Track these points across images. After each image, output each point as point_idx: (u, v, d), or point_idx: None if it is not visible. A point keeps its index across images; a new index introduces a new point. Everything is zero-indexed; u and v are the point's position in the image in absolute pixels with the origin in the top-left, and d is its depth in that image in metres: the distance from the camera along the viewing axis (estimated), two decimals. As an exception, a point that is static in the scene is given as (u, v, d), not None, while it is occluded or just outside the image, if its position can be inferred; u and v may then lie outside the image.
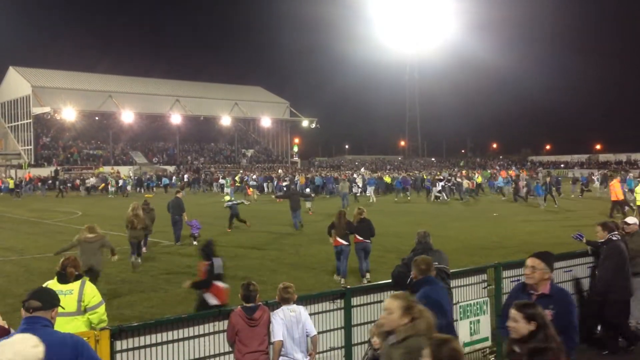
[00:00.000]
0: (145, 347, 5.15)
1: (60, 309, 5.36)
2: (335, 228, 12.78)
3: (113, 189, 48.83)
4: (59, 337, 3.70)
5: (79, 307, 5.99)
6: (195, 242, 18.31)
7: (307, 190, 33.99)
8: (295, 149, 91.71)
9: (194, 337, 5.43)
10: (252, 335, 5.51)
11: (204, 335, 5.50)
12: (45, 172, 59.60)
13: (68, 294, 5.99)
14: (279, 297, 5.82)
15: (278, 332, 5.64)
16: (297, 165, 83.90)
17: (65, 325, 5.67)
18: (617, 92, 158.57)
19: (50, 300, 3.76)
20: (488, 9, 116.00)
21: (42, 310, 3.66)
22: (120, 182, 51.29)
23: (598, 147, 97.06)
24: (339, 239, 12.70)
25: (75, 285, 6.09)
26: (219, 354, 5.58)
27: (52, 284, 6.06)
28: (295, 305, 5.83)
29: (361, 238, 12.61)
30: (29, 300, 3.69)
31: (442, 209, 31.63)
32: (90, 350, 3.83)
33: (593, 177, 47.63)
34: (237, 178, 49.76)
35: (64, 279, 6.14)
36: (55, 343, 3.58)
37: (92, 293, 6.11)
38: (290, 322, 5.67)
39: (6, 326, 4.04)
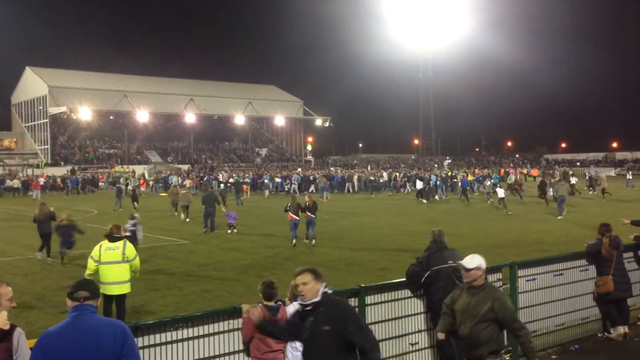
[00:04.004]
0: (160, 344, 5.18)
1: (111, 258, 8.99)
2: (290, 208, 18.04)
3: (143, 188, 49.30)
4: (108, 320, 4.14)
5: (123, 257, 9.04)
6: (230, 231, 21.27)
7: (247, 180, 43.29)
8: (309, 147, 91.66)
9: (209, 334, 5.44)
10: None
11: (219, 333, 5.50)
12: (62, 171, 60.09)
13: (115, 249, 9.07)
14: (290, 295, 5.58)
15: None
16: (311, 164, 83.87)
17: (115, 268, 8.98)
18: (635, 89, 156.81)
19: (96, 291, 4.15)
20: (502, 5, 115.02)
21: (91, 300, 4.03)
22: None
23: (614, 145, 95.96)
24: (293, 215, 17.93)
25: (119, 244, 9.18)
26: (234, 352, 5.57)
27: (105, 242, 9.19)
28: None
29: (310, 214, 18.03)
30: (78, 291, 4.02)
31: (455, 207, 31.47)
32: (133, 340, 4.09)
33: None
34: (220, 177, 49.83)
35: (113, 239, 9.20)
36: (107, 323, 3.99)
37: (130, 249, 9.19)
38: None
39: (7, 327, 4.11)
